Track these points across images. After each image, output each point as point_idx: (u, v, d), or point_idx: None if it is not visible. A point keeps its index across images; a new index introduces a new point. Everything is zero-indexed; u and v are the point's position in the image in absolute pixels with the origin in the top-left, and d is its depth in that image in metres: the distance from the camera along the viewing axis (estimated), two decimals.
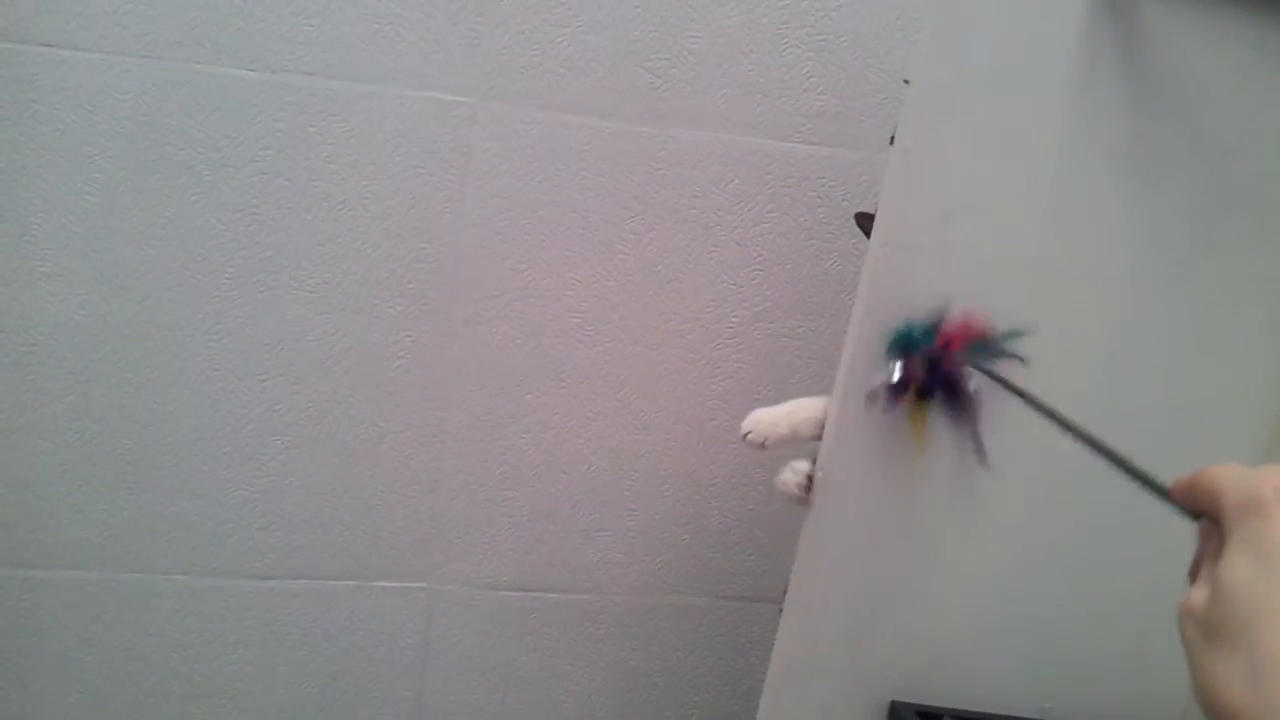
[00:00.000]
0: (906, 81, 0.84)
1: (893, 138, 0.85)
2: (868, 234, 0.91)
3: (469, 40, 1.16)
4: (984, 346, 0.87)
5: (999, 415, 0.86)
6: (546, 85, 1.19)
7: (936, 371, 0.86)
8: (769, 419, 0.94)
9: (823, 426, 0.91)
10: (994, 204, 0.87)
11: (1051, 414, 0.68)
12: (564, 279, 1.25)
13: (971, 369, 0.86)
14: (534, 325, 1.27)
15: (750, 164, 1.25)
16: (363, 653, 1.36)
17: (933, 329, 0.87)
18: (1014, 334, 0.87)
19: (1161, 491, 0.52)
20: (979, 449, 0.87)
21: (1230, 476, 0.45)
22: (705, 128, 1.23)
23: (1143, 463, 0.94)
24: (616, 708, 1.44)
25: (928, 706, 0.96)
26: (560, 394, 1.30)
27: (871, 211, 0.91)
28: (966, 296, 0.88)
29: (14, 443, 1.21)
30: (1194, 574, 0.48)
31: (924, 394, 0.87)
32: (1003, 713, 0.98)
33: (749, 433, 0.94)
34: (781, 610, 0.95)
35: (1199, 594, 0.44)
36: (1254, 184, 0.90)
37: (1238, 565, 0.42)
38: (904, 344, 0.87)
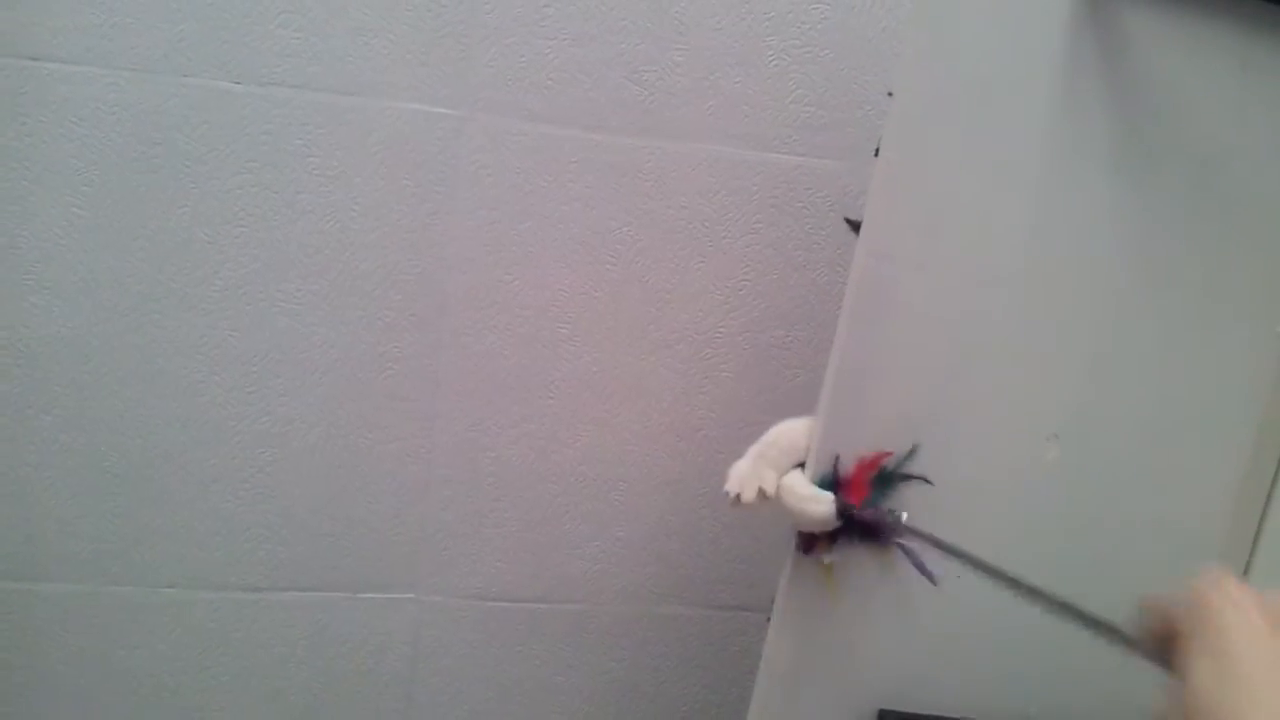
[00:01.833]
0: (890, 94, 0.85)
1: (878, 149, 0.85)
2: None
3: (456, 52, 1.17)
4: (885, 478, 0.89)
5: None
6: (534, 97, 1.19)
7: (850, 521, 0.88)
8: (740, 474, 0.92)
9: (803, 450, 0.91)
10: (979, 213, 0.88)
11: (1003, 576, 0.70)
12: (552, 290, 1.26)
13: (907, 532, 0.88)
14: (522, 336, 1.27)
15: (737, 175, 1.25)
16: (351, 664, 1.35)
17: (830, 482, 0.88)
18: (909, 455, 0.88)
19: (1131, 642, 0.55)
20: (925, 574, 0.87)
21: (1175, 599, 0.50)
22: (692, 139, 1.23)
23: (1128, 467, 0.95)
24: (606, 717, 1.44)
25: (915, 714, 0.96)
26: (549, 404, 1.30)
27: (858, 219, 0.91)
28: (951, 307, 0.89)
29: (0, 455, 1.20)
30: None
31: (833, 538, 0.89)
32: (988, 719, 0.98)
33: (737, 496, 0.92)
34: (770, 619, 0.95)
35: (1165, 705, 0.48)
36: (1238, 191, 0.91)
37: (1200, 672, 0.46)
38: None
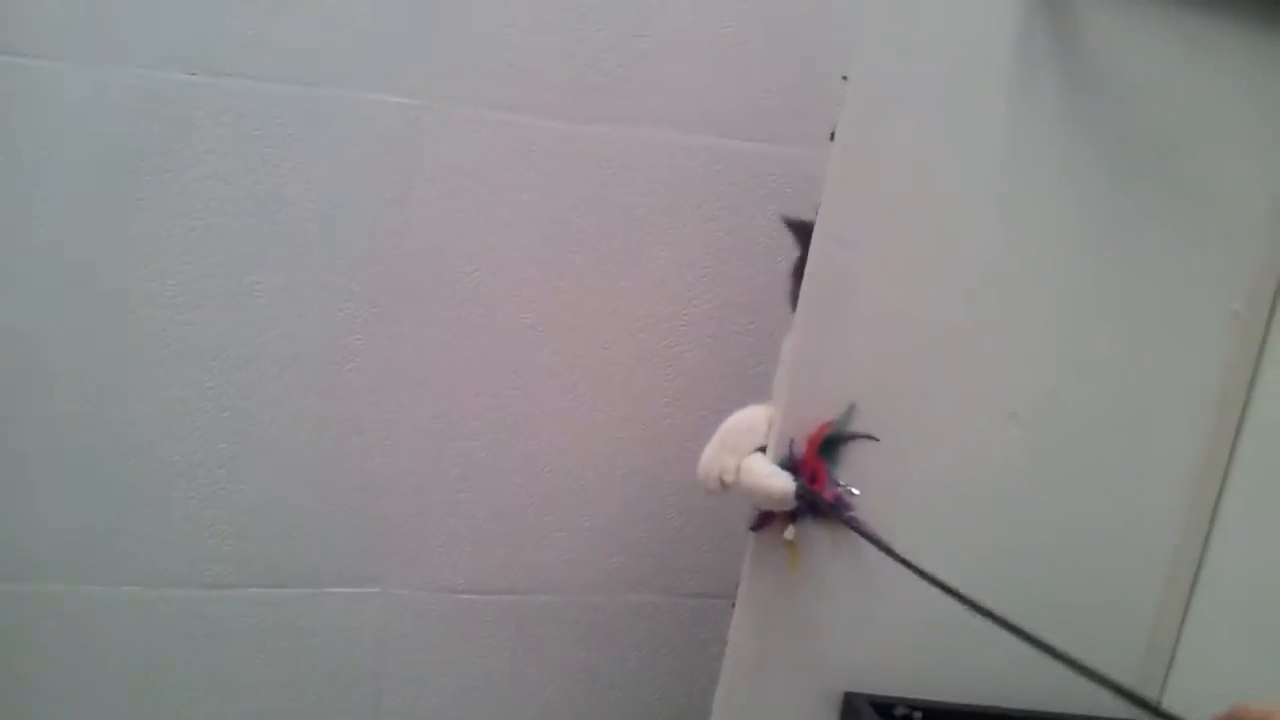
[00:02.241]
0: (845, 78, 0.85)
1: (833, 134, 0.86)
2: (798, 239, 0.93)
3: (414, 41, 1.16)
4: (830, 444, 0.90)
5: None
6: (494, 85, 1.19)
7: (806, 500, 0.89)
8: (715, 457, 0.93)
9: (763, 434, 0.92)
10: (936, 199, 0.89)
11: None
12: (514, 279, 1.25)
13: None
14: (485, 326, 1.26)
15: (700, 162, 1.25)
16: (319, 659, 1.35)
17: (789, 464, 0.89)
18: (847, 416, 0.90)
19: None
20: (878, 544, 0.88)
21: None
22: (654, 126, 1.23)
23: (1094, 456, 0.96)
24: (576, 707, 1.44)
25: (881, 696, 0.97)
26: (513, 395, 1.30)
27: (797, 218, 0.92)
28: (909, 291, 0.89)
29: None
30: None
31: (793, 517, 0.90)
32: (955, 700, 0.99)
33: (705, 481, 0.94)
34: (734, 605, 0.96)
35: None
36: (1192, 175, 0.92)
37: None
38: None
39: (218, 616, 1.30)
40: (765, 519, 0.91)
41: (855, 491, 0.89)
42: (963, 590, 0.79)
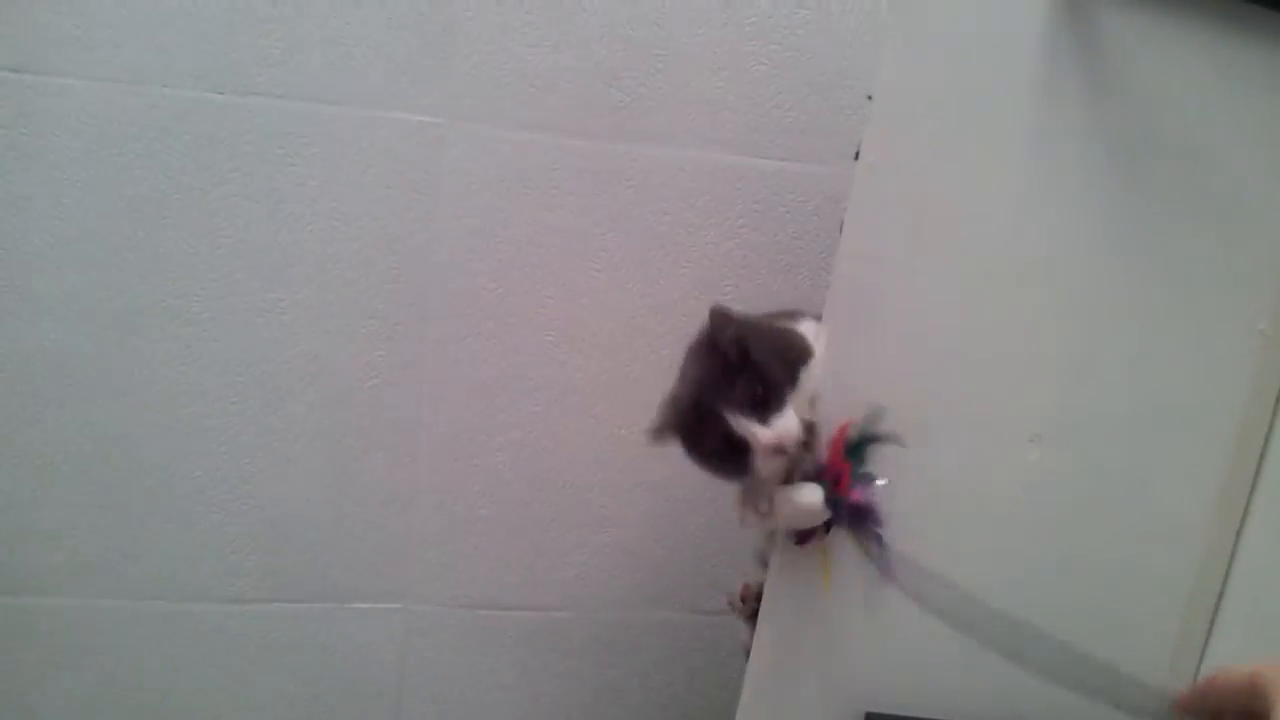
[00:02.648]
0: (870, 97, 0.85)
1: (858, 153, 0.86)
2: (716, 330, 0.88)
3: (437, 60, 1.17)
4: (856, 447, 0.88)
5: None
6: (516, 105, 1.19)
7: (838, 506, 0.87)
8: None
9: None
10: (960, 215, 0.88)
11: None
12: (536, 297, 1.26)
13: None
14: (506, 343, 1.27)
15: (720, 180, 1.26)
16: (339, 675, 1.35)
17: (819, 470, 0.88)
18: (873, 416, 0.87)
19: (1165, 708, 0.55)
20: (884, 566, 0.87)
21: (1260, 666, 0.50)
22: (674, 145, 1.24)
23: (1117, 476, 0.95)
24: None
25: (902, 716, 0.96)
26: (534, 411, 1.30)
27: (724, 309, 0.88)
28: (932, 310, 0.89)
29: None
30: None
31: (828, 527, 0.89)
32: None
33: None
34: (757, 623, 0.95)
35: None
36: (1216, 189, 0.91)
37: None
38: None
39: (239, 631, 1.31)
40: (805, 536, 0.90)
41: (883, 482, 0.88)
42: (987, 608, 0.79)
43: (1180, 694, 0.54)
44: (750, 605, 1.03)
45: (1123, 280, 0.92)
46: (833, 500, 0.87)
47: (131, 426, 1.21)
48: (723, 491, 1.35)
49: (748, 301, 1.29)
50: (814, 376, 0.87)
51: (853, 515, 0.88)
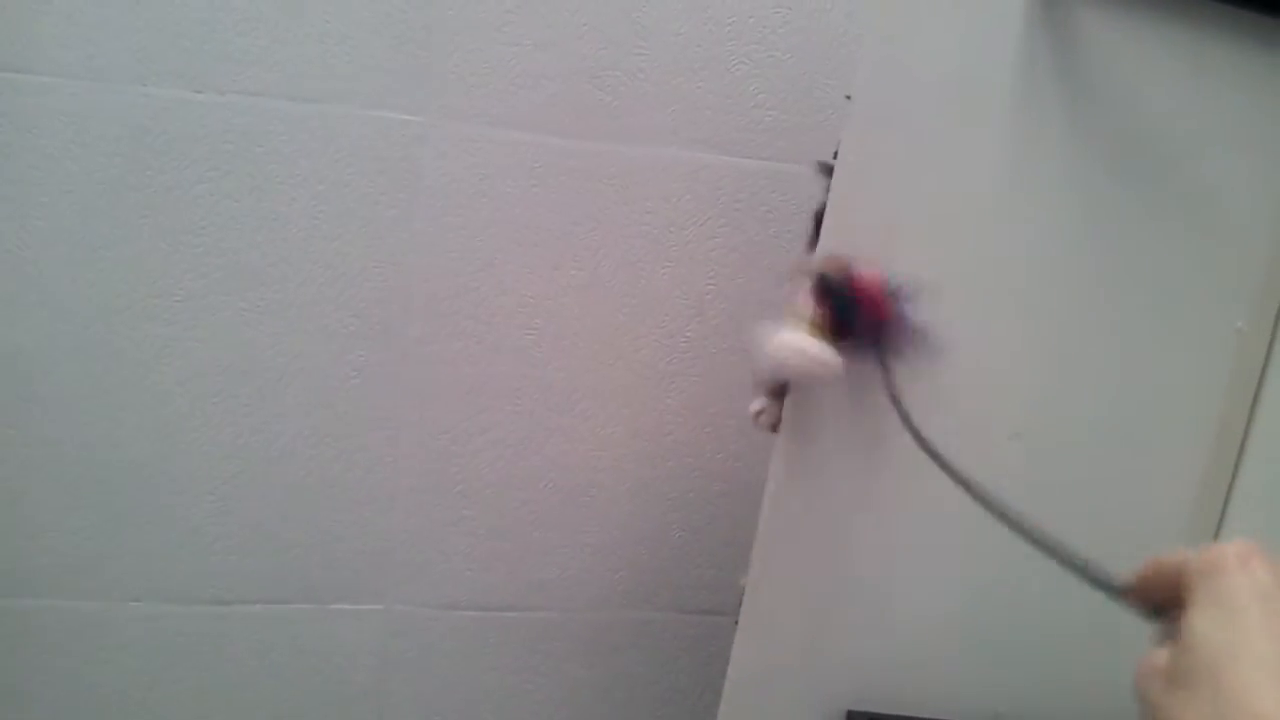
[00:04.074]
0: (848, 97, 0.85)
1: (836, 153, 0.86)
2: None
3: (418, 58, 1.16)
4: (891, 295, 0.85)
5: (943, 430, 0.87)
6: (496, 103, 1.19)
7: (852, 314, 0.83)
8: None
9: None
10: (938, 215, 0.89)
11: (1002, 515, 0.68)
12: (517, 296, 1.25)
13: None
14: (487, 343, 1.26)
15: (701, 179, 1.26)
16: (321, 676, 1.35)
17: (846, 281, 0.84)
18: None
19: (1115, 590, 0.54)
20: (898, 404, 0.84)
21: (1189, 552, 0.49)
22: (655, 144, 1.24)
23: (1097, 475, 0.96)
24: None
25: (883, 715, 0.96)
26: (515, 411, 1.30)
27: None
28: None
29: None
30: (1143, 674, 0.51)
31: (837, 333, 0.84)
32: (957, 719, 0.98)
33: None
34: (738, 622, 0.96)
35: (1159, 653, 0.47)
36: (1193, 189, 0.92)
37: (1202, 619, 0.45)
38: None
39: (219, 633, 1.30)
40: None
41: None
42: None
43: (1129, 578, 0.53)
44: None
45: (1101, 279, 0.92)
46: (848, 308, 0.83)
47: (110, 427, 1.21)
48: (703, 494, 1.37)
49: (729, 300, 1.30)
50: None
51: (871, 325, 0.84)
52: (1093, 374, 0.94)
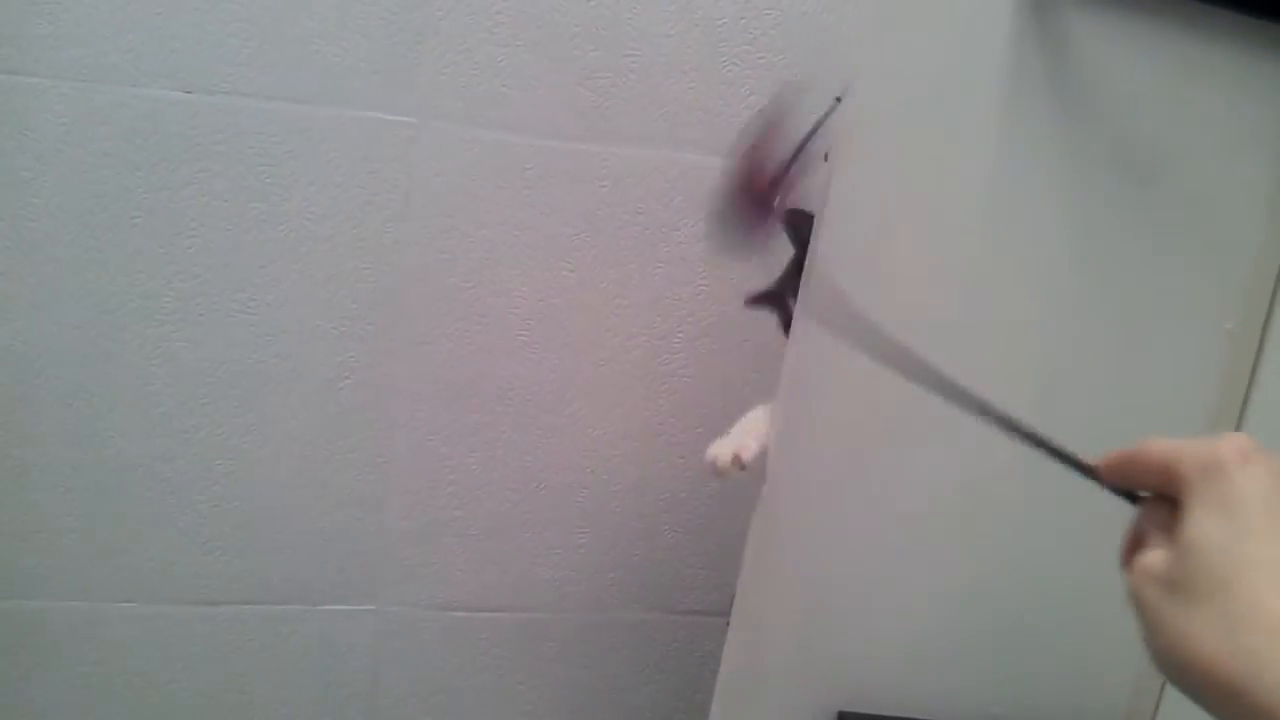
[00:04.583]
0: (839, 99, 0.85)
1: (827, 154, 0.86)
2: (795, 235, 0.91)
3: (410, 60, 1.16)
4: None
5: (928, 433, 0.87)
6: (488, 104, 1.19)
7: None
8: (731, 441, 0.92)
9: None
10: (929, 216, 0.89)
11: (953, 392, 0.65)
12: (509, 297, 1.25)
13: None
14: (480, 344, 1.26)
15: (693, 180, 1.26)
16: (312, 677, 1.34)
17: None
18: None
19: (1089, 471, 0.52)
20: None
21: (1182, 445, 0.46)
22: (647, 145, 1.24)
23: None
24: None
25: (876, 716, 0.97)
26: (508, 412, 1.30)
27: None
28: (902, 307, 0.89)
29: None
30: (1129, 552, 0.49)
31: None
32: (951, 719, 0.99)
33: (715, 461, 0.91)
34: (730, 623, 0.96)
35: (1156, 556, 0.45)
36: (1183, 190, 0.92)
37: (1205, 522, 0.43)
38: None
39: (211, 633, 1.30)
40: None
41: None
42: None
43: (1101, 462, 0.51)
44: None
45: (1091, 281, 0.92)
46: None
47: (102, 428, 1.21)
48: (696, 494, 1.37)
49: (720, 300, 1.30)
50: None
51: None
52: (1083, 375, 0.94)
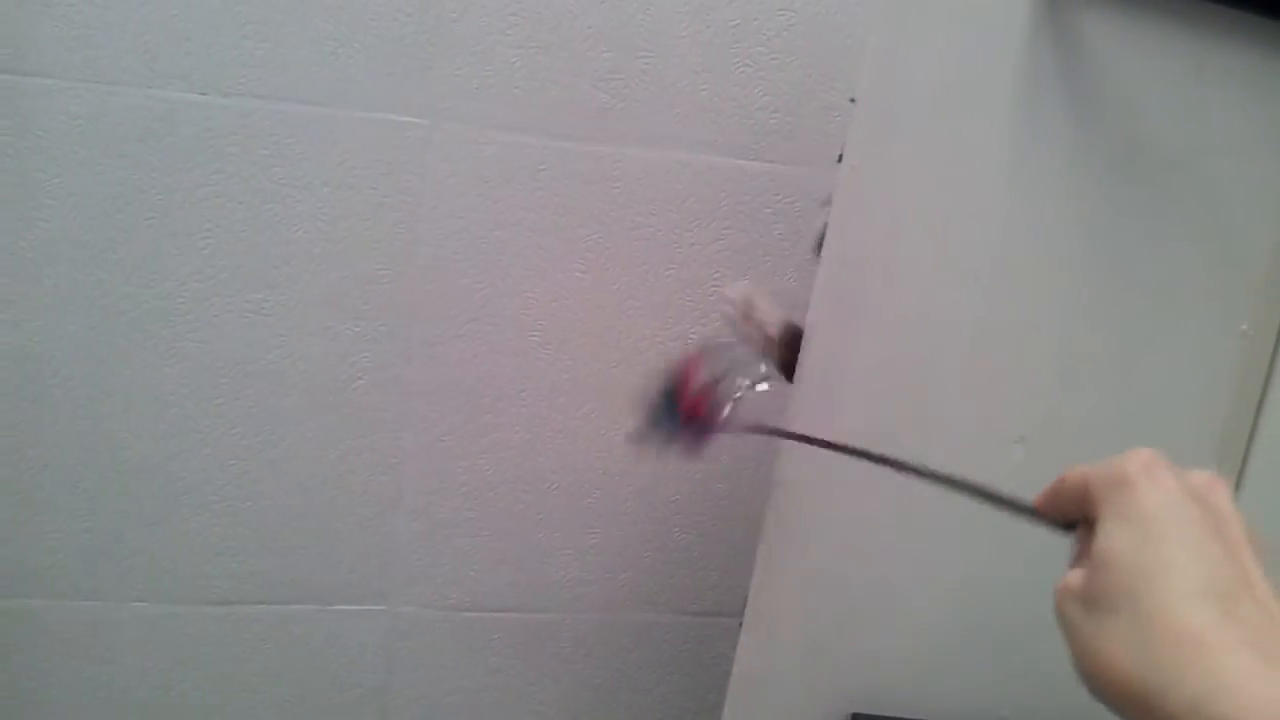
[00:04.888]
0: (853, 100, 0.85)
1: (841, 156, 0.86)
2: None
3: (423, 61, 1.16)
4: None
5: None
6: (501, 106, 1.19)
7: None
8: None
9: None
10: (943, 218, 0.89)
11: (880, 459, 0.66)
12: (521, 298, 1.26)
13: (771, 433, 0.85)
14: (492, 345, 1.27)
15: (705, 182, 1.26)
16: (324, 677, 1.35)
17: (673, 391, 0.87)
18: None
19: (1028, 511, 0.53)
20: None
21: (1093, 467, 0.47)
22: (660, 147, 1.24)
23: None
24: None
25: (888, 717, 0.96)
26: (519, 413, 1.30)
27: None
28: (913, 308, 0.89)
29: None
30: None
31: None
32: None
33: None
34: (742, 624, 0.96)
35: (1075, 574, 0.46)
36: (1197, 192, 0.92)
37: (1112, 535, 0.44)
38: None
39: (223, 633, 1.31)
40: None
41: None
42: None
43: (1040, 495, 0.52)
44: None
45: (1104, 282, 0.92)
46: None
47: (114, 428, 1.21)
48: (707, 495, 1.37)
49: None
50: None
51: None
52: (1097, 377, 0.94)
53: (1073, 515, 0.49)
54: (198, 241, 1.17)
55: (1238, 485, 0.97)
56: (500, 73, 1.18)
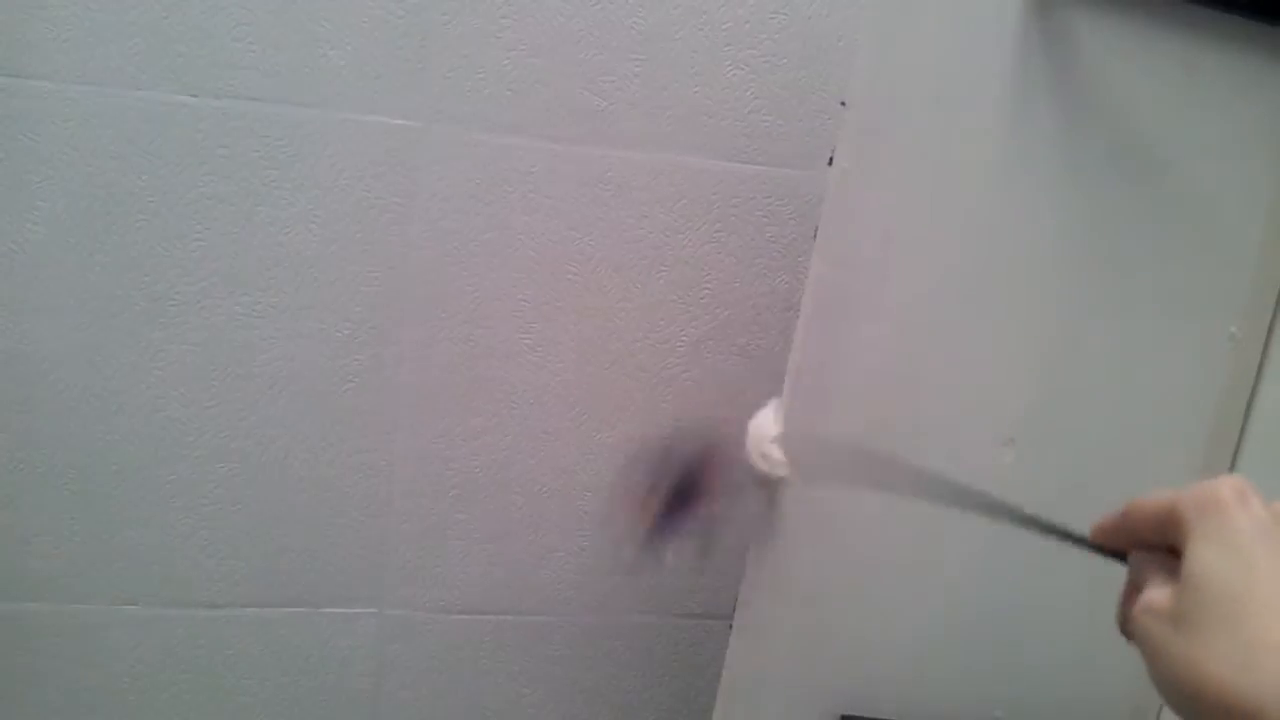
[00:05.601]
0: (844, 103, 0.85)
1: (831, 158, 0.86)
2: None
3: (414, 63, 1.16)
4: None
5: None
6: (493, 108, 1.19)
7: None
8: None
9: None
10: (933, 220, 0.89)
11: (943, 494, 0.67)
12: (513, 301, 1.26)
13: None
14: (483, 347, 1.26)
15: (697, 184, 1.26)
16: (315, 680, 1.34)
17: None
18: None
19: (1082, 541, 0.54)
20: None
21: (1178, 491, 0.48)
22: (652, 149, 1.24)
23: (1083, 472, 0.96)
24: None
25: (878, 719, 0.97)
26: (511, 415, 1.30)
27: None
28: (905, 309, 0.89)
29: None
30: (1126, 605, 0.51)
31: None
32: None
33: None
34: (732, 627, 0.96)
35: (1159, 593, 0.47)
36: (1186, 193, 0.92)
37: (1207, 555, 0.45)
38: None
39: (213, 636, 1.30)
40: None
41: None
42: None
43: (1098, 523, 0.53)
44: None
45: (1094, 285, 0.92)
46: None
47: (105, 430, 1.21)
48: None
49: (725, 305, 1.30)
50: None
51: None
52: (1086, 379, 0.94)
53: (1144, 539, 0.50)
54: (188, 243, 1.17)
55: None
56: (492, 75, 1.18)
